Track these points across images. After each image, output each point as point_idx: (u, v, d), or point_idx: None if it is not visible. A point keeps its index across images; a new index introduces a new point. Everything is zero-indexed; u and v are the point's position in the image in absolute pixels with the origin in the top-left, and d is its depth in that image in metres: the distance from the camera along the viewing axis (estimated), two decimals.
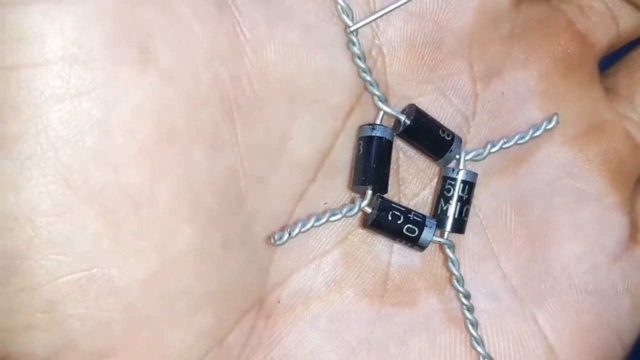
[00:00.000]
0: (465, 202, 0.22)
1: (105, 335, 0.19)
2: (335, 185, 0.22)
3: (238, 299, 0.21)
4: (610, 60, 0.25)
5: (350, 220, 0.22)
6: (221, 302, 0.20)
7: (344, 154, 0.22)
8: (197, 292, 0.20)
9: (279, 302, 0.22)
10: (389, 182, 0.22)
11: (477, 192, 0.23)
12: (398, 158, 0.23)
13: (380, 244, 0.23)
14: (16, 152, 0.17)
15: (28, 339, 0.18)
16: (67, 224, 0.18)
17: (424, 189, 0.23)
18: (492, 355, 0.22)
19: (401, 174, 0.23)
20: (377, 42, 0.22)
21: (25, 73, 0.17)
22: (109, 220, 0.18)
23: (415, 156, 0.23)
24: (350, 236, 0.23)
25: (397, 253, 0.23)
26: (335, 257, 0.22)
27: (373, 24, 0.21)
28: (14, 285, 0.18)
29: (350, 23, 0.21)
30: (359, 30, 0.21)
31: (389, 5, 0.21)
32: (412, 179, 0.23)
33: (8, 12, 0.17)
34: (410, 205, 0.23)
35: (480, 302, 0.23)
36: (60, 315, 0.18)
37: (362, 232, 0.23)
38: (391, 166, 0.22)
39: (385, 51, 0.22)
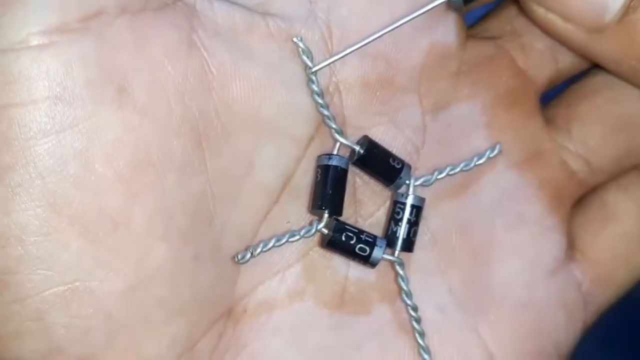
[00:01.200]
0: (413, 224, 0.24)
1: (87, 341, 0.21)
2: (297, 207, 0.24)
3: (208, 308, 0.23)
4: (551, 96, 0.28)
5: (311, 238, 0.24)
6: (193, 312, 0.22)
7: (305, 178, 0.24)
8: (171, 302, 0.22)
9: (245, 311, 0.24)
10: (346, 204, 0.24)
11: (426, 213, 0.25)
12: (355, 182, 0.25)
13: (339, 259, 0.25)
14: (8, 180, 0.20)
15: (18, 344, 0.20)
16: (53, 243, 0.20)
17: (378, 210, 0.25)
18: None
19: (358, 196, 0.25)
20: (334, 79, 0.24)
21: (16, 111, 0.19)
22: (89, 239, 0.20)
23: (370, 181, 0.25)
24: (311, 252, 0.25)
25: (353, 267, 0.25)
26: (298, 271, 0.24)
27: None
28: (6, 297, 0.20)
29: (310, 64, 0.23)
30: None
31: (346, 49, 0.23)
32: (368, 201, 0.25)
33: (1, 57, 0.19)
34: (366, 224, 0.25)
35: (428, 314, 0.25)
36: (47, 323, 0.20)
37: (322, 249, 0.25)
38: (348, 189, 0.24)
39: (341, 87, 0.24)
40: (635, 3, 0.22)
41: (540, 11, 0.24)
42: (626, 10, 0.23)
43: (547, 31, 0.24)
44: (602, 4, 0.23)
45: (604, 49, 0.23)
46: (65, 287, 0.20)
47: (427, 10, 0.23)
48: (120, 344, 0.21)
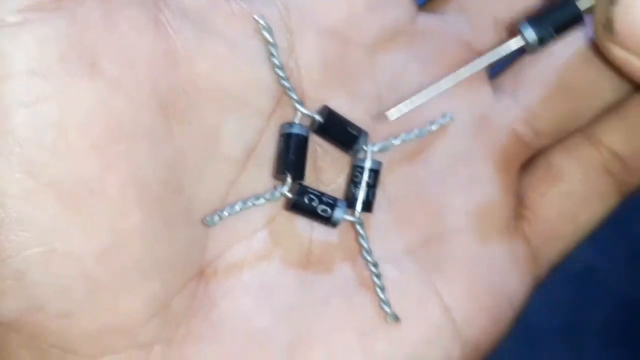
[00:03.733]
0: (371, 186, 0.26)
1: (66, 299, 0.22)
2: (262, 175, 0.26)
3: (181, 270, 0.24)
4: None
5: (276, 204, 0.26)
6: (167, 273, 0.24)
7: (269, 148, 0.26)
8: (146, 263, 0.23)
9: (216, 273, 0.25)
10: (308, 172, 0.26)
11: (384, 177, 0.27)
12: (315, 151, 0.27)
13: (303, 223, 0.26)
14: None
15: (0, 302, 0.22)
16: (31, 207, 0.21)
17: (338, 177, 0.27)
18: (397, 313, 0.26)
19: (318, 164, 0.27)
20: (293, 55, 0.26)
21: None
22: (66, 204, 0.22)
23: (330, 149, 0.27)
24: (277, 217, 0.26)
25: (317, 230, 0.26)
26: (264, 235, 0.26)
27: (290, 39, 0.26)
28: None
29: (271, 40, 0.25)
30: (278, 43, 0.25)
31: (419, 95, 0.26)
32: (328, 168, 0.27)
33: None
34: (328, 190, 0.27)
35: (387, 271, 0.26)
36: (27, 282, 0.22)
37: (287, 214, 0.26)
38: (310, 158, 0.26)
39: (300, 62, 0.26)
40: None
41: (631, 60, 0.24)
42: None
43: (626, 71, 0.24)
44: None
45: None
46: (44, 248, 0.22)
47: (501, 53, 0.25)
48: (97, 301, 0.23)
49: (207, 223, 0.25)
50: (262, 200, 0.25)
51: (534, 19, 0.25)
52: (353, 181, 0.26)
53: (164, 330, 0.24)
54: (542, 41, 0.25)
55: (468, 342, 0.26)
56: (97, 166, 0.22)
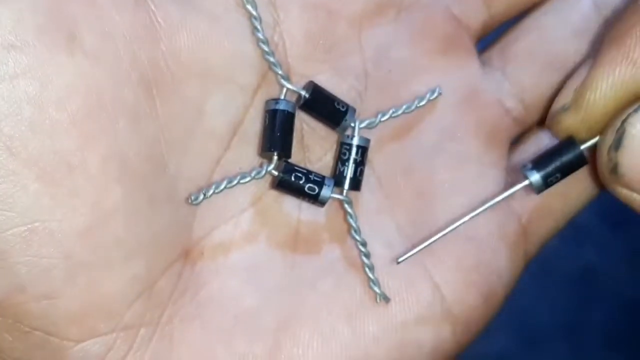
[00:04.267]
0: (359, 163, 0.26)
1: (48, 280, 0.22)
2: (248, 153, 0.25)
3: (166, 250, 0.24)
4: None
5: (262, 183, 0.25)
6: (151, 252, 0.23)
7: (254, 125, 0.25)
8: (129, 243, 0.23)
9: (202, 253, 0.25)
10: (295, 150, 0.25)
11: (372, 155, 0.26)
12: (302, 129, 0.26)
13: (290, 203, 0.26)
14: None
15: None
16: (11, 185, 0.21)
17: (325, 155, 0.26)
18: (387, 293, 0.26)
19: (305, 142, 0.26)
20: (277, 29, 0.25)
21: None
22: (46, 181, 0.21)
23: (317, 126, 0.26)
24: (263, 197, 0.26)
25: (305, 211, 0.26)
26: (251, 215, 0.25)
27: (274, 13, 0.25)
28: None
29: (254, 13, 0.24)
30: (262, 17, 0.24)
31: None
32: (315, 146, 0.26)
33: None
34: (315, 168, 0.26)
35: (377, 249, 0.26)
36: (8, 262, 0.21)
37: (274, 194, 0.26)
38: (296, 136, 0.25)
39: (285, 37, 0.25)
40: None
41: (625, 192, 0.24)
42: None
43: (631, 207, 0.25)
44: None
45: None
46: (25, 228, 0.21)
47: (507, 196, 0.26)
48: (80, 282, 0.22)
49: (191, 202, 0.24)
50: (247, 179, 0.25)
51: (539, 162, 0.25)
52: (341, 159, 0.26)
53: (149, 312, 0.24)
54: (548, 184, 0.25)
55: (458, 321, 0.26)
56: (76, 142, 0.21)
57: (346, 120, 0.26)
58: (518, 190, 0.26)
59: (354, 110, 0.26)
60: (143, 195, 0.23)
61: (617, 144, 0.24)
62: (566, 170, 0.25)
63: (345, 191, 0.26)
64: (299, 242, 0.26)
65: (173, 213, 0.24)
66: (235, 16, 0.24)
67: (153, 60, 0.23)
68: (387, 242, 0.26)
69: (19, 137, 0.21)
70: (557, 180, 0.25)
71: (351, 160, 0.26)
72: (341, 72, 0.26)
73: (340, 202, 0.26)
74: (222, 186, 0.24)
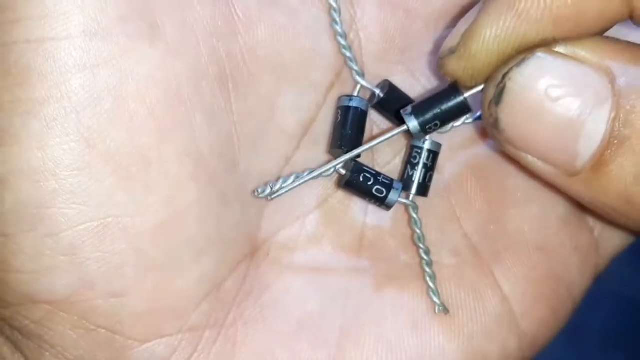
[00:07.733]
0: (429, 169, 0.25)
1: (118, 277, 0.21)
2: (318, 153, 0.25)
3: (234, 249, 0.23)
4: None
5: (329, 185, 0.25)
6: (220, 252, 0.23)
7: (326, 124, 0.25)
8: (200, 241, 0.22)
9: (268, 254, 0.24)
10: (364, 152, 0.24)
11: (442, 161, 0.25)
12: (372, 130, 0.25)
13: (357, 206, 0.25)
14: (43, 114, 0.20)
15: (51, 279, 0.21)
16: (87, 178, 0.20)
17: (394, 158, 0.26)
18: (454, 303, 0.25)
19: None
20: (354, 27, 0.24)
21: (51, 45, 0.20)
22: (122, 175, 0.20)
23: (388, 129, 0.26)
24: (329, 199, 0.25)
25: (371, 215, 0.25)
26: (317, 217, 0.25)
27: (351, 10, 0.24)
28: (39, 231, 0.20)
29: (334, 5, 0.23)
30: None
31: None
32: (385, 149, 0.26)
33: None
34: (383, 172, 0.25)
35: (444, 258, 0.25)
36: (79, 258, 0.21)
37: (341, 196, 0.25)
38: (366, 137, 0.25)
39: (361, 35, 0.24)
40: (606, 156, 0.21)
41: (520, 154, 0.23)
42: (599, 160, 0.21)
43: (530, 171, 0.23)
44: (573, 151, 0.22)
45: (581, 191, 0.22)
46: (98, 222, 0.21)
47: (389, 138, 0.24)
48: (149, 280, 0.21)
49: (258, 195, 0.23)
50: (315, 174, 0.24)
51: (419, 107, 0.24)
52: (410, 162, 0.25)
53: (214, 313, 0.23)
54: (426, 131, 0.24)
55: (525, 334, 0.25)
56: (154, 136, 0.21)
57: None
58: (397, 134, 0.24)
59: None
60: (215, 192, 0.22)
61: (498, 99, 0.22)
62: (447, 118, 0.24)
63: (412, 196, 0.25)
64: (363, 246, 0.25)
65: (242, 212, 0.23)
66: (314, 11, 0.24)
67: (230, 53, 0.22)
68: (455, 250, 0.26)
69: (98, 128, 0.20)
70: (437, 127, 0.24)
71: (421, 165, 0.25)
72: (415, 74, 0.25)
73: (406, 207, 0.25)
74: (290, 181, 0.24)
